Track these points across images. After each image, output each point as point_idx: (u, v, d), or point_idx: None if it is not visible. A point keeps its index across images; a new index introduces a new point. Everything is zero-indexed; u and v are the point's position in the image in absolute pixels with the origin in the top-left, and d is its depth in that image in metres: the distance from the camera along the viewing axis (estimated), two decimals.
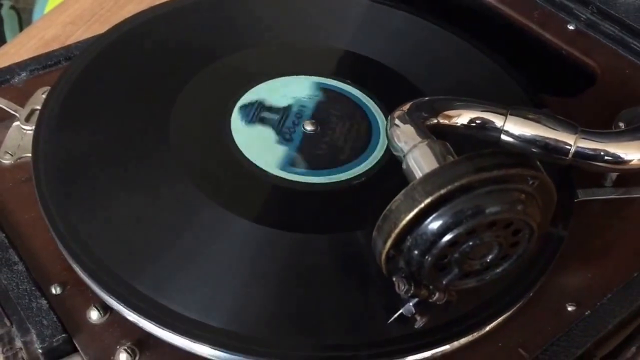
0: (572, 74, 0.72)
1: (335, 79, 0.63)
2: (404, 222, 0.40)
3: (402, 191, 0.41)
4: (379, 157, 0.57)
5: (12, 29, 1.60)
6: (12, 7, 1.72)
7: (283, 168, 0.55)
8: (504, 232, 0.42)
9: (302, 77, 0.63)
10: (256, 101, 0.60)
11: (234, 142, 0.57)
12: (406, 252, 0.42)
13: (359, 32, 0.69)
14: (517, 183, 0.41)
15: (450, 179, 0.39)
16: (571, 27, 0.75)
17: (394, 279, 0.43)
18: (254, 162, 0.55)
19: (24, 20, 1.63)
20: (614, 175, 0.59)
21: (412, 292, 0.42)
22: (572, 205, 0.55)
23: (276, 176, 0.54)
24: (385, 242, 0.41)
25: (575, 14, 0.76)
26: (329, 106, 0.61)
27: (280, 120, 0.59)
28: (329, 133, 0.58)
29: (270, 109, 0.60)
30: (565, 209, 0.54)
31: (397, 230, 0.40)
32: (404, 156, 0.46)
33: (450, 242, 0.41)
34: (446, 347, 0.47)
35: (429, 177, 0.40)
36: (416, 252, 0.41)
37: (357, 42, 0.67)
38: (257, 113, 0.59)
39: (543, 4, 0.77)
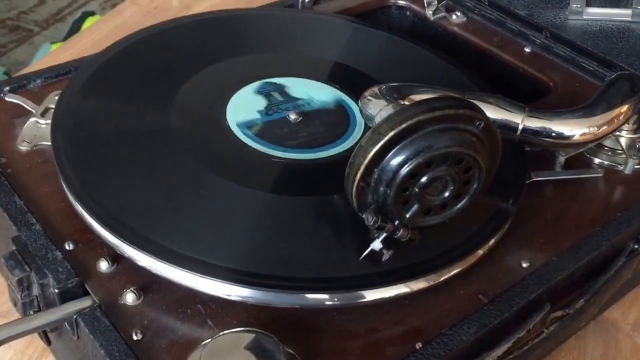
0: (528, 87, 0.79)
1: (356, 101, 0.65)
2: (372, 154, 0.47)
3: (370, 129, 0.48)
4: (314, 158, 0.60)
5: None
6: (5, 73, 1.79)
7: (239, 126, 0.61)
8: (456, 168, 0.48)
9: (335, 90, 0.68)
10: (280, 83, 0.67)
11: (228, 98, 0.64)
12: (373, 185, 0.48)
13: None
14: (465, 124, 0.48)
15: (409, 116, 0.46)
16: (527, 50, 0.83)
17: (363, 215, 0.50)
18: (226, 113, 0.62)
19: None
20: (562, 160, 0.66)
21: (379, 223, 0.48)
22: (523, 182, 0.62)
23: (229, 128, 0.61)
24: (355, 174, 0.48)
25: (531, 39, 0.84)
26: (328, 115, 0.65)
27: (280, 101, 0.64)
28: (302, 128, 0.63)
29: (284, 93, 0.66)
30: (517, 186, 0.61)
31: (365, 162, 0.47)
32: (374, 118, 0.53)
33: (410, 173, 0.47)
34: (406, 290, 0.53)
35: (391, 116, 0.47)
36: (381, 185, 0.48)
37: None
38: (270, 90, 0.65)
39: (502, 31, 0.86)
